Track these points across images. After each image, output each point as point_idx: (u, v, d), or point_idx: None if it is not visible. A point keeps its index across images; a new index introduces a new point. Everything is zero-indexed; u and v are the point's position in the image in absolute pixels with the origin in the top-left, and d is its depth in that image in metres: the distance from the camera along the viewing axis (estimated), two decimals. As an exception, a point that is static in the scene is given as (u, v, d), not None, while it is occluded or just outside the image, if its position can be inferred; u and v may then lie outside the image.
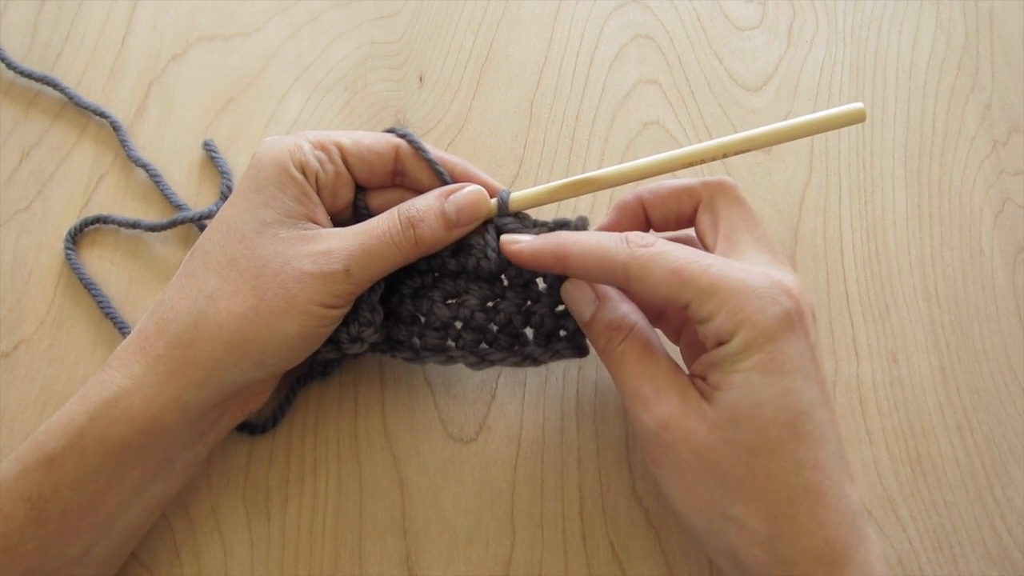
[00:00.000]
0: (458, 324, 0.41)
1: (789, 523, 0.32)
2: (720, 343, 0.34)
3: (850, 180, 0.52)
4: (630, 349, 0.37)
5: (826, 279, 0.49)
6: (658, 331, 0.40)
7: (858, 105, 0.37)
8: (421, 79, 0.54)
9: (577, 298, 0.39)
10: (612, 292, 0.39)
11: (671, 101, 0.54)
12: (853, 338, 0.48)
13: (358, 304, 0.40)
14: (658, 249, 0.35)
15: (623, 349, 0.37)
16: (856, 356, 0.47)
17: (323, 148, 0.40)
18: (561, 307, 0.41)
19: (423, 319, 0.42)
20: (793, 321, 0.33)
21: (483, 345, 0.42)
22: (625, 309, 0.38)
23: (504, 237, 0.40)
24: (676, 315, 0.42)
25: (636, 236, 0.36)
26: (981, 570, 0.43)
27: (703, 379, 0.35)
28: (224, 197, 0.49)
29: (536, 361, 0.41)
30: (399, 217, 0.39)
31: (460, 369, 0.45)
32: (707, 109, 0.54)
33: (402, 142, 0.42)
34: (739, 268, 0.34)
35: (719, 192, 0.39)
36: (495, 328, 0.41)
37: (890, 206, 0.51)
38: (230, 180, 0.50)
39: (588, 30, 0.56)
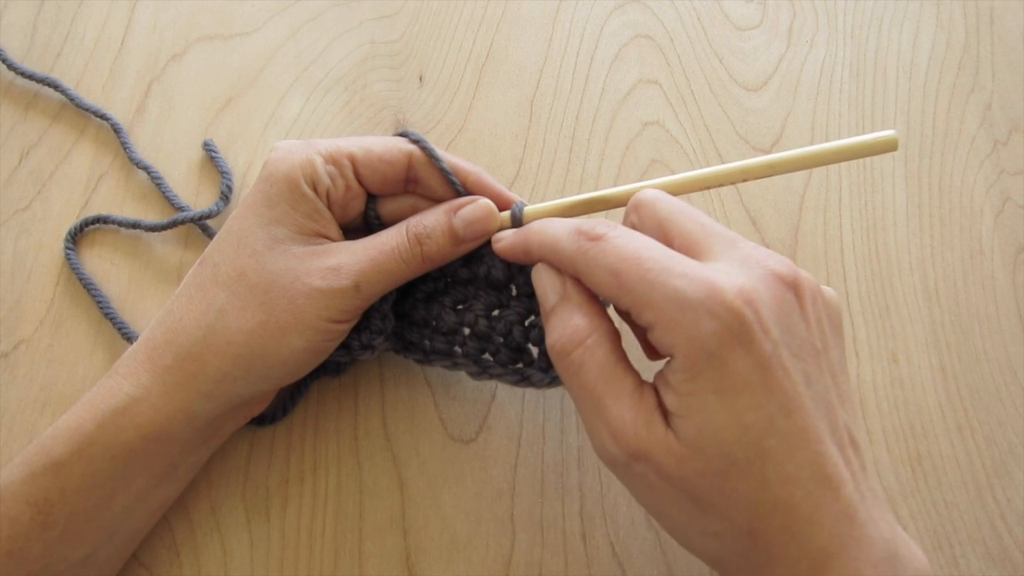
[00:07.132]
0: (466, 331, 0.41)
1: (763, 536, 0.31)
2: (666, 357, 0.32)
3: (850, 180, 0.52)
4: (587, 363, 0.33)
5: (826, 279, 0.49)
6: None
7: (890, 133, 0.34)
8: (421, 79, 0.54)
9: (543, 285, 0.36)
10: (573, 288, 0.35)
11: (671, 101, 0.54)
12: (853, 338, 0.48)
13: (369, 312, 0.40)
14: (604, 245, 0.32)
15: (580, 361, 0.33)
16: (856, 356, 0.47)
17: (334, 162, 0.40)
18: None
19: (434, 323, 0.42)
20: (735, 334, 0.30)
21: (486, 356, 0.42)
22: (581, 314, 0.34)
23: (494, 236, 0.39)
24: None
25: (591, 226, 0.33)
26: (981, 570, 0.43)
27: (660, 396, 0.32)
28: (224, 197, 0.49)
29: (534, 385, 0.41)
30: (407, 233, 0.39)
31: (460, 369, 0.46)
32: (707, 109, 0.54)
33: (415, 149, 0.41)
34: (681, 273, 0.31)
35: (648, 209, 0.35)
36: (500, 340, 0.41)
37: (890, 206, 0.51)
38: (230, 180, 0.50)
39: (588, 30, 0.56)
